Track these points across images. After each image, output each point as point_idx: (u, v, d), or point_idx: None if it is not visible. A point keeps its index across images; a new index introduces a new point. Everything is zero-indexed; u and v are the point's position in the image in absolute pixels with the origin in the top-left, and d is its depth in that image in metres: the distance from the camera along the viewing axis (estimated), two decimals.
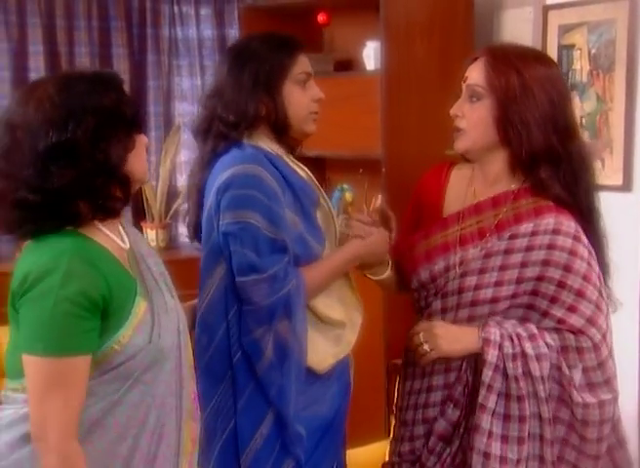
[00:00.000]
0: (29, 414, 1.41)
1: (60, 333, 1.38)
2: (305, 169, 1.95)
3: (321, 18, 3.27)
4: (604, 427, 1.68)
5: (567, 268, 1.69)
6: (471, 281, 1.75)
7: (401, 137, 2.93)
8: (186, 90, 3.84)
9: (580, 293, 1.68)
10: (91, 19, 3.64)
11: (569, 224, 1.71)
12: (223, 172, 1.79)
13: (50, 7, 3.54)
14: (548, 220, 1.71)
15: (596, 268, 1.72)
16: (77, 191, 1.40)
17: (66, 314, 1.37)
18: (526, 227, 1.72)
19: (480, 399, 1.70)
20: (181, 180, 3.77)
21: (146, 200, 3.68)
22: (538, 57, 1.77)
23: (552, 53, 2.91)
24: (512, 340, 1.69)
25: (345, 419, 2.01)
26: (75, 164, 1.39)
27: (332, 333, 1.89)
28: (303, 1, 3.27)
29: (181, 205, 3.54)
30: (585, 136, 2.87)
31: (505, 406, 1.69)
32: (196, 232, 1.95)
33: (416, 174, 2.02)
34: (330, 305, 1.89)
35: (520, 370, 1.68)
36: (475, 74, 1.73)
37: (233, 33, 3.82)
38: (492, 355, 1.69)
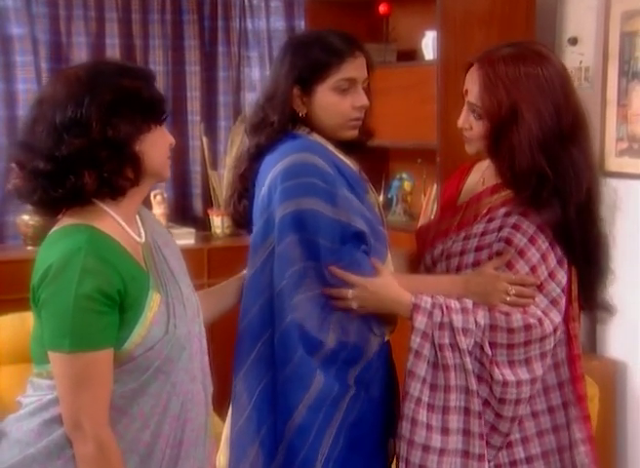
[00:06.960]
0: (54, 400, 1.47)
1: (82, 330, 1.42)
2: (351, 162, 1.90)
3: (382, 8, 3.28)
4: (519, 407, 1.71)
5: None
6: (454, 262, 1.82)
7: (455, 128, 2.91)
8: (256, 81, 3.91)
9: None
10: (164, 12, 3.78)
11: (529, 225, 1.74)
12: (278, 162, 1.77)
13: (126, 2, 3.70)
14: (515, 212, 1.76)
15: (541, 275, 1.73)
16: (84, 161, 1.44)
17: (87, 310, 1.41)
18: (502, 210, 1.78)
19: (408, 365, 1.73)
20: None
21: (213, 188, 3.79)
22: (530, 60, 1.73)
23: (614, 40, 2.84)
24: (442, 310, 1.71)
25: None
26: (85, 135, 1.43)
27: None
28: None
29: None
30: None
31: (433, 374, 1.72)
32: (238, 222, 1.97)
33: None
34: None
35: (447, 341, 1.71)
36: (473, 91, 1.78)
37: (303, 25, 3.86)
38: (420, 321, 1.72)
